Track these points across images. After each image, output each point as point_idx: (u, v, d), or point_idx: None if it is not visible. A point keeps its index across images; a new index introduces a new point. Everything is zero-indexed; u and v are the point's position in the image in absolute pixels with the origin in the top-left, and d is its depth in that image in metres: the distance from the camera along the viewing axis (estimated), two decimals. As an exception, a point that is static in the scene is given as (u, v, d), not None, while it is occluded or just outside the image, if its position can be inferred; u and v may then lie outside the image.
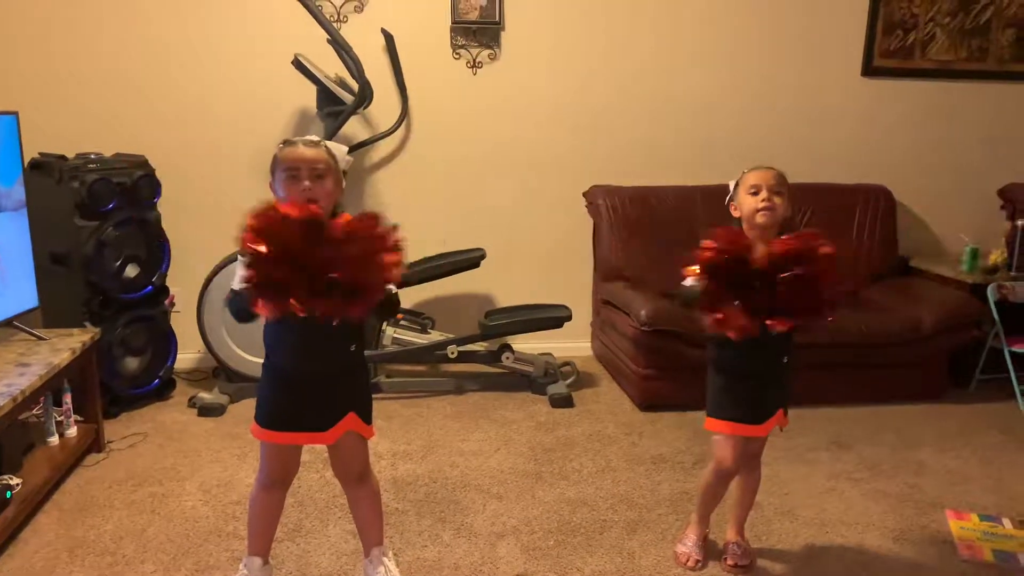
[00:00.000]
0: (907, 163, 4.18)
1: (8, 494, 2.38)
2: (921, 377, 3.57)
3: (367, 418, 1.98)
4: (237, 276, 1.75)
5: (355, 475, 2.05)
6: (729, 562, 2.26)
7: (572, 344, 4.04)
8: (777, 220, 2.04)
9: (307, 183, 1.79)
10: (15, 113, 2.82)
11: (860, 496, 2.71)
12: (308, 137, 1.88)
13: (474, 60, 3.86)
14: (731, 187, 2.14)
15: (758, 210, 2.03)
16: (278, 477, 2.02)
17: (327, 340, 1.87)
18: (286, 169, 1.81)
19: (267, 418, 1.92)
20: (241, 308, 1.75)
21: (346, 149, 1.94)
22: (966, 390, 3.70)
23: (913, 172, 4.19)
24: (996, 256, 3.75)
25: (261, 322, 1.87)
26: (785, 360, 2.10)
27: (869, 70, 4.08)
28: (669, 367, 3.33)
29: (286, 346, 1.89)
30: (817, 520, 2.55)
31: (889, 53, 4.07)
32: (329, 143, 1.89)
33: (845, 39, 4.05)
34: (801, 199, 3.94)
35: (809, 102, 4.10)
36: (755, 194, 2.04)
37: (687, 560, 2.27)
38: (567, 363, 3.80)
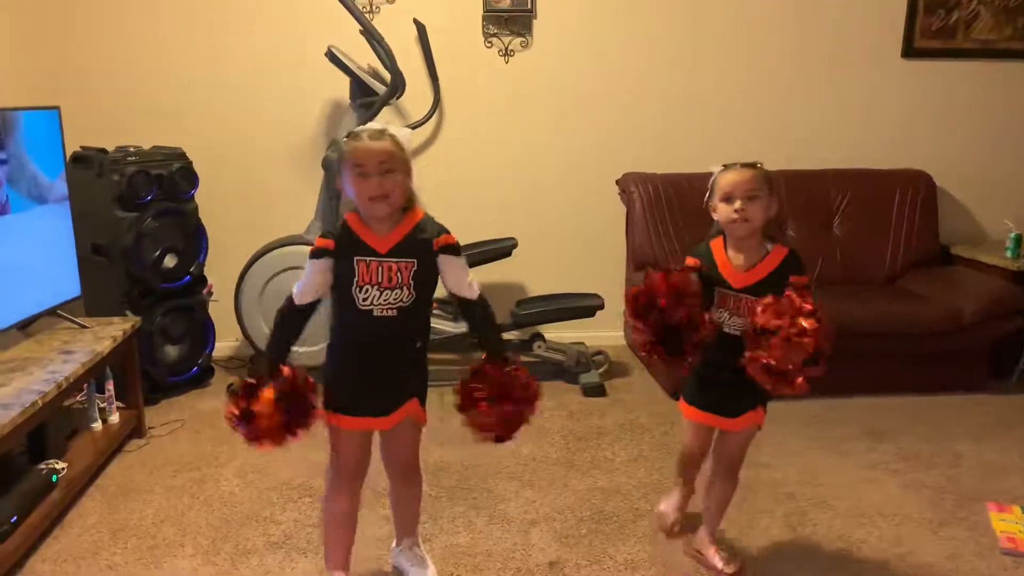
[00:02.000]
0: (949, 147, 4.08)
1: (54, 478, 2.46)
2: (961, 367, 3.49)
3: (424, 405, 1.99)
4: (303, 277, 1.84)
5: (405, 463, 2.05)
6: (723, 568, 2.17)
7: (604, 333, 4.02)
8: (754, 229, 1.94)
9: (376, 180, 1.75)
10: (57, 108, 2.88)
11: (897, 487, 2.67)
12: (372, 126, 1.80)
13: (506, 48, 3.85)
14: (709, 185, 2.01)
15: (732, 221, 1.93)
16: (354, 466, 1.97)
17: (393, 344, 1.87)
18: (354, 166, 1.76)
19: (332, 401, 1.90)
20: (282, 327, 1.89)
21: (410, 132, 1.90)
22: (1008, 381, 3.61)
23: (955, 156, 4.09)
24: (1041, 242, 3.66)
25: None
26: None
27: (910, 51, 3.98)
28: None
29: (354, 347, 1.88)
30: (853, 510, 2.52)
31: (931, 33, 3.96)
32: (394, 129, 1.81)
33: (885, 20, 3.95)
34: (839, 185, 3.88)
35: (847, 85, 4.02)
36: (728, 201, 1.93)
37: (664, 523, 2.32)
38: (599, 352, 3.79)
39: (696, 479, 2.31)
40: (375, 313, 1.80)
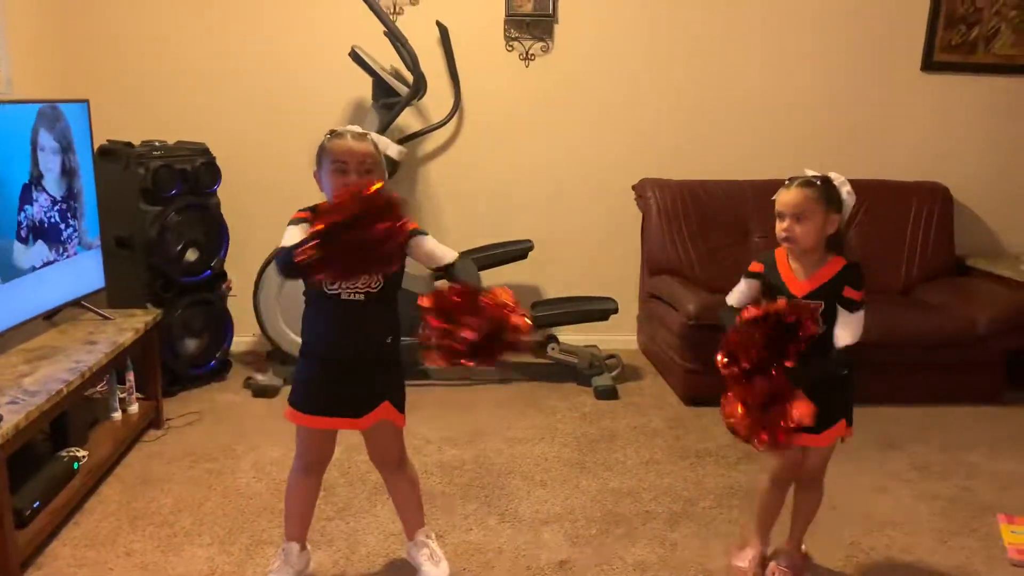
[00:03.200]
0: (966, 160, 4.09)
1: (75, 465, 2.50)
2: (977, 378, 3.49)
3: (400, 407, 2.02)
4: (284, 238, 1.81)
5: (390, 462, 2.10)
6: (768, 573, 2.18)
7: (618, 337, 4.04)
8: (805, 247, 1.95)
9: (354, 179, 1.83)
10: (86, 101, 2.94)
11: (910, 497, 2.68)
12: (354, 128, 1.90)
13: (527, 52, 3.88)
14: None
15: (780, 238, 1.97)
16: (313, 460, 2.07)
17: (363, 331, 1.92)
18: (334, 162, 1.85)
19: (302, 402, 1.98)
20: (287, 265, 1.78)
21: (389, 142, 1.96)
22: None
23: (973, 170, 4.09)
24: (1058, 257, 3.66)
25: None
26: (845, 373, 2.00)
27: (929, 65, 3.99)
28: (715, 362, 3.31)
29: (323, 335, 1.94)
30: (865, 519, 2.52)
31: (951, 48, 3.97)
32: (375, 135, 1.92)
33: (905, 34, 3.97)
34: (856, 196, 3.85)
35: (867, 98, 4.03)
36: (780, 218, 1.96)
37: None
38: (612, 355, 3.81)
39: (771, 531, 2.22)
40: (342, 296, 1.86)
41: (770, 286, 2.02)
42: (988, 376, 3.51)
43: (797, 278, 1.99)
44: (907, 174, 3.99)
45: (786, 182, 1.99)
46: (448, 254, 1.96)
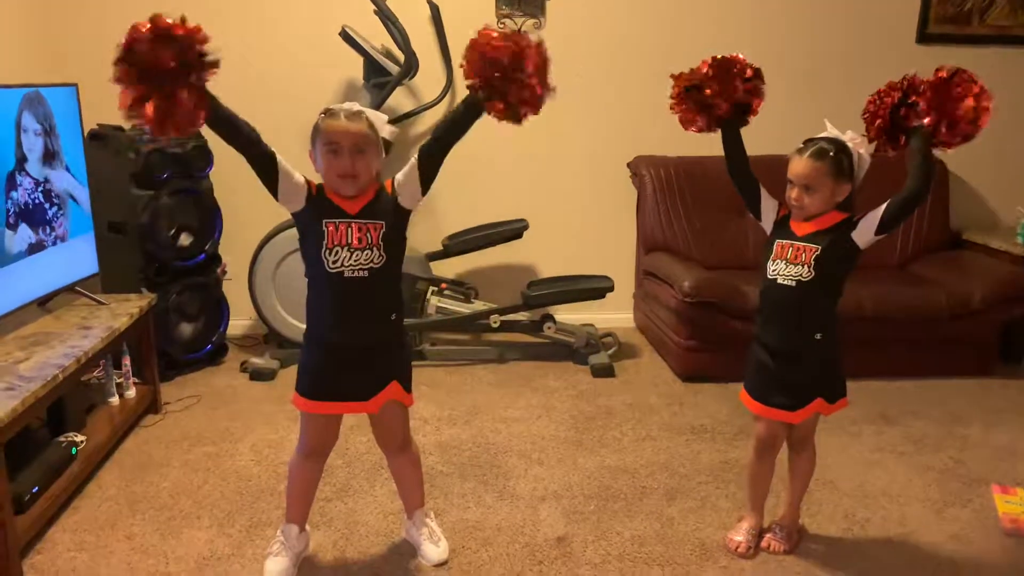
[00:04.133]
0: (962, 133, 4.07)
1: (73, 450, 2.51)
2: (971, 352, 3.51)
3: (407, 387, 2.03)
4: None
5: (396, 443, 2.10)
6: (763, 544, 2.22)
7: (614, 315, 4.06)
8: (812, 214, 2.00)
9: (348, 159, 1.82)
10: (75, 85, 2.91)
11: (904, 469, 2.70)
12: (349, 106, 1.86)
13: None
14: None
15: (791, 204, 2.02)
16: (317, 446, 2.07)
17: (367, 309, 1.91)
18: (327, 142, 1.83)
19: (309, 388, 1.96)
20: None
21: (386, 118, 1.95)
22: (1018, 365, 3.62)
23: (968, 143, 4.07)
24: (1053, 229, 3.66)
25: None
26: (818, 337, 2.03)
27: (924, 37, 3.97)
28: (711, 339, 3.33)
29: (328, 316, 1.93)
30: (859, 492, 2.54)
31: (945, 19, 3.95)
32: (369, 112, 1.89)
33: (900, 5, 3.94)
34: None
35: (862, 70, 3.99)
36: (789, 185, 2.00)
37: (736, 547, 2.21)
38: (609, 334, 3.82)
39: (764, 502, 2.26)
40: (346, 275, 1.84)
41: (775, 226, 2.09)
42: (982, 349, 3.52)
43: (801, 221, 2.04)
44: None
45: (801, 145, 2.02)
46: (424, 144, 1.90)
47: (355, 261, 1.85)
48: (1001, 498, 2.48)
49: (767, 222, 2.12)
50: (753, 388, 2.13)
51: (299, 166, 1.94)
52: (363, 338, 1.93)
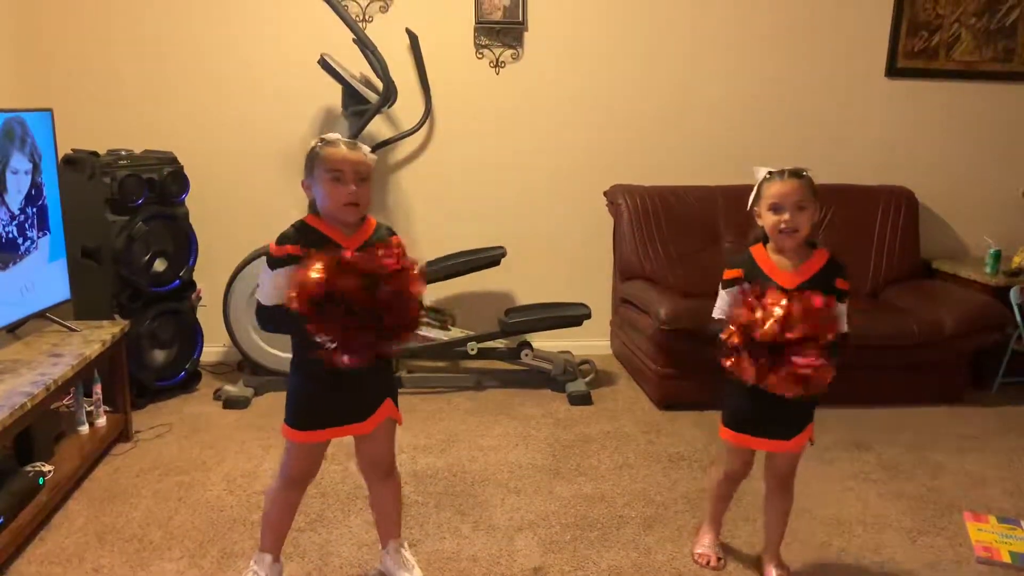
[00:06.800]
0: (931, 165, 4.16)
1: (40, 480, 2.45)
2: (942, 379, 3.55)
3: (397, 403, 2.02)
4: (266, 287, 1.83)
5: (384, 465, 2.07)
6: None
7: (591, 342, 4.07)
8: (802, 239, 1.95)
9: (353, 187, 1.81)
10: (50, 110, 2.89)
11: (878, 497, 2.71)
12: (334, 136, 1.87)
13: (497, 60, 3.89)
14: (753, 190, 1.99)
15: (781, 231, 1.92)
16: (302, 476, 2.02)
17: None
18: (330, 170, 1.81)
19: (305, 418, 1.92)
20: (278, 327, 1.90)
21: (368, 149, 1.96)
22: (988, 393, 3.68)
23: (937, 174, 4.17)
24: (1020, 258, 3.73)
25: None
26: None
27: (893, 71, 4.06)
28: (688, 366, 3.34)
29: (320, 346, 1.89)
30: (834, 519, 2.55)
31: (913, 54, 4.05)
32: (362, 145, 1.90)
33: (869, 40, 4.03)
34: (823, 200, 3.82)
35: (832, 103, 4.09)
36: (776, 211, 1.92)
37: (708, 561, 2.25)
38: (586, 361, 3.82)
39: (721, 517, 2.31)
40: None
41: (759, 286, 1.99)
42: (953, 377, 3.57)
43: (785, 271, 1.96)
44: (873, 178, 4.06)
45: (767, 175, 1.96)
46: None
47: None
48: (974, 526, 2.50)
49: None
50: (739, 424, 2.08)
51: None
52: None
